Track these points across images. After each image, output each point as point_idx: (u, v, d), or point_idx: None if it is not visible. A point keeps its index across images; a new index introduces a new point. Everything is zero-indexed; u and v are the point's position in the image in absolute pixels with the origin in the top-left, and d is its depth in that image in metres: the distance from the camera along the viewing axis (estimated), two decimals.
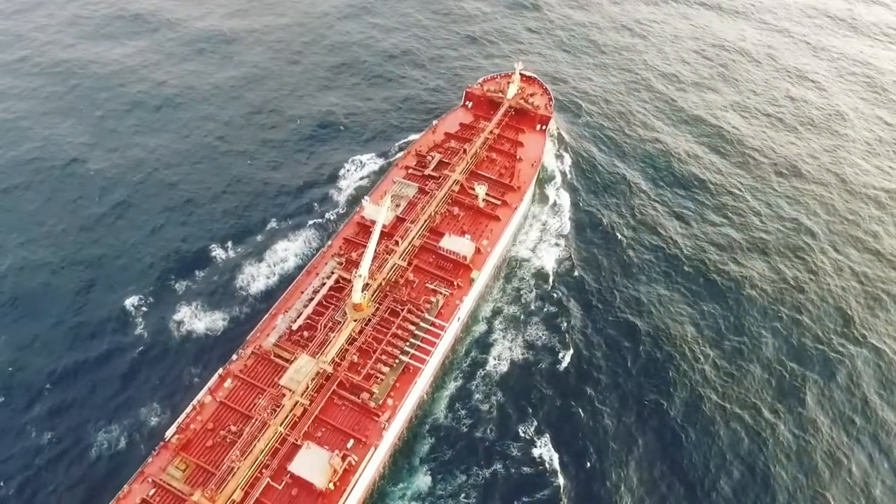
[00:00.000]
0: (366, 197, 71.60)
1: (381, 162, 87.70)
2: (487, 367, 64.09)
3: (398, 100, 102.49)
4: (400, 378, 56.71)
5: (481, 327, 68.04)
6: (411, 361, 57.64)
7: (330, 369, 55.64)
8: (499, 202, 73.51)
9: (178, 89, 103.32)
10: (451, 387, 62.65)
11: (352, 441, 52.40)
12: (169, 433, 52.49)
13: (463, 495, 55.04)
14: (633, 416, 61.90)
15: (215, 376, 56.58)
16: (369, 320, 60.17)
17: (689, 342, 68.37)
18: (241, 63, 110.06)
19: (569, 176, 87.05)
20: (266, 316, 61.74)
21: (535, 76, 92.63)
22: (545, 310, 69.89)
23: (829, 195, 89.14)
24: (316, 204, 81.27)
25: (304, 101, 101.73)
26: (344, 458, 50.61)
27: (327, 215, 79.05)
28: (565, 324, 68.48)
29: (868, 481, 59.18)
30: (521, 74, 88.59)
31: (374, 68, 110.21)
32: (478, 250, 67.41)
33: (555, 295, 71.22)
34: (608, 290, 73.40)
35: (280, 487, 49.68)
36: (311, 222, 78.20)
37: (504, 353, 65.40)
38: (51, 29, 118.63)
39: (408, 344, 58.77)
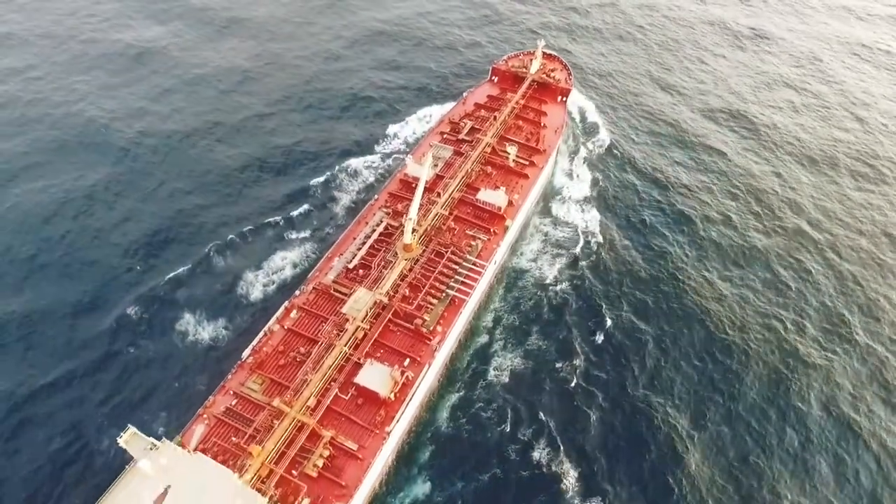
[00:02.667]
0: (408, 155, 76.82)
1: (380, 166, 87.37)
2: (488, 377, 63.70)
3: (400, 101, 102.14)
4: (447, 309, 61.84)
5: (482, 337, 67.43)
6: (457, 294, 62.78)
7: (385, 300, 60.74)
8: (527, 162, 78.72)
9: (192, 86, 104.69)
10: (453, 397, 62.24)
11: (408, 360, 57.45)
12: (244, 354, 57.57)
13: (461, 501, 55.09)
14: (636, 424, 61.29)
15: (281, 308, 61.61)
16: (418, 260, 65.30)
17: (698, 350, 68.00)
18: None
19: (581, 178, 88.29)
20: (322, 259, 66.88)
21: (555, 54, 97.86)
22: (547, 318, 69.39)
23: (837, 180, 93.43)
24: (315, 214, 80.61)
25: (311, 105, 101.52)
26: (402, 373, 55.68)
27: (326, 229, 78.44)
28: (565, 332, 68.10)
29: None
30: (542, 52, 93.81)
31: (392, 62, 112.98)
32: (510, 202, 72.55)
33: (556, 302, 70.88)
34: (614, 295, 72.82)
35: (347, 398, 54.78)
36: (309, 233, 77.64)
37: (505, 363, 64.93)
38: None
39: (453, 280, 63.89)
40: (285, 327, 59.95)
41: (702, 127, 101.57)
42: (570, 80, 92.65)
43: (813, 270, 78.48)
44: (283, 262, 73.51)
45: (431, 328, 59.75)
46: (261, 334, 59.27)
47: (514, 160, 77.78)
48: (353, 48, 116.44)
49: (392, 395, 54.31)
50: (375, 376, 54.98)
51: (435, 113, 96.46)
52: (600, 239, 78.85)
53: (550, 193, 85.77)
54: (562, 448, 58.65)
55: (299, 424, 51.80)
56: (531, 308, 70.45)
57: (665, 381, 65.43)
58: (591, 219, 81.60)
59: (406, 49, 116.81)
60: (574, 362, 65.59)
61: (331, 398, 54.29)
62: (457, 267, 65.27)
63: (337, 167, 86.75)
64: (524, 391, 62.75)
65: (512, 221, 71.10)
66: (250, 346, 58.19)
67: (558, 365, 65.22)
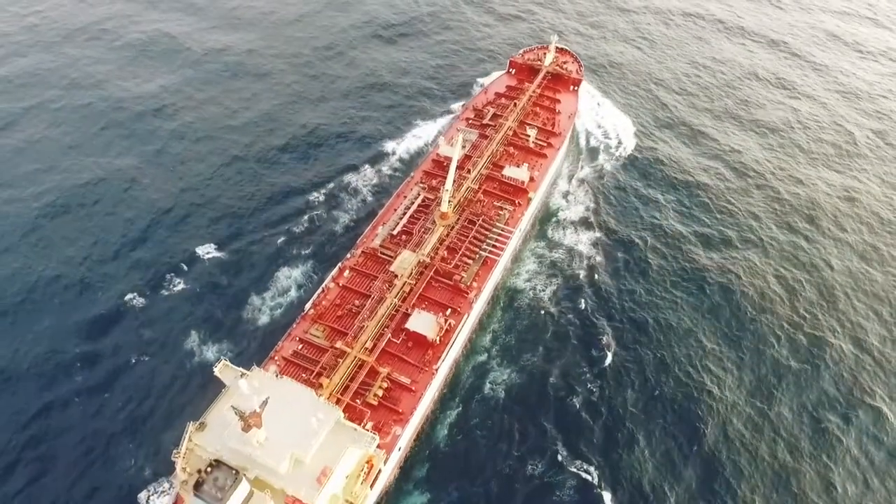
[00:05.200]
0: (441, 137, 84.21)
1: (377, 184, 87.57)
2: (485, 393, 64.31)
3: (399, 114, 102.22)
4: (481, 267, 68.99)
5: (481, 356, 67.84)
6: (489, 255, 70.04)
7: (427, 260, 67.91)
8: (545, 144, 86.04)
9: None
10: (451, 414, 63.06)
11: (449, 310, 64.50)
12: (306, 307, 64.68)
13: None
14: (632, 440, 61.98)
15: (335, 269, 68.65)
16: (453, 227, 72.51)
17: (699, 369, 67.84)
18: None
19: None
20: (368, 227, 74.04)
21: (567, 48, 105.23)
22: (545, 336, 69.88)
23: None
24: (316, 230, 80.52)
25: (314, 115, 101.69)
26: (445, 320, 62.76)
27: (327, 246, 77.98)
28: (563, 350, 68.76)
29: None
30: (555, 46, 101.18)
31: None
32: (532, 178, 79.81)
33: (554, 320, 71.49)
34: (615, 313, 72.84)
35: (399, 342, 61.87)
36: (311, 250, 77.58)
37: (501, 379, 65.58)
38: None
39: (485, 243, 71.16)
40: (340, 285, 67.00)
41: (708, 137, 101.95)
42: (581, 71, 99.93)
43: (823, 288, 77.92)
44: (288, 282, 73.57)
45: (468, 284, 66.88)
46: (318, 291, 66.35)
47: (534, 142, 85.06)
48: (358, 64, 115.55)
49: (438, 339, 61.34)
50: (423, 322, 62.10)
51: (430, 131, 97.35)
52: (601, 257, 78.97)
53: (546, 216, 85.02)
54: (556, 462, 59.44)
55: (360, 362, 58.76)
56: (528, 327, 70.73)
57: (665, 398, 65.47)
58: (592, 237, 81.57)
59: (409, 67, 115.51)
60: (569, 380, 66.15)
61: (385, 341, 61.31)
62: (487, 232, 72.50)
63: (336, 184, 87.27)
64: (520, 408, 63.40)
65: (534, 194, 78.32)
66: (310, 301, 65.25)
67: (553, 381, 65.93)
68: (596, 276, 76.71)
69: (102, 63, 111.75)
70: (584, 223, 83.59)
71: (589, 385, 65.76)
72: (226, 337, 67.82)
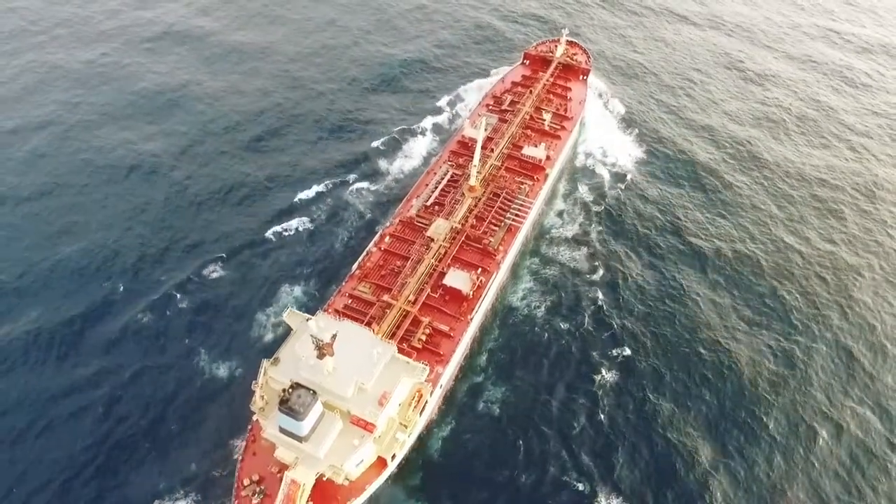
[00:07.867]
0: (465, 120, 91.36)
1: (374, 202, 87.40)
2: (479, 410, 65.07)
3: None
4: (506, 234, 76.24)
5: (478, 375, 68.39)
6: (513, 223, 77.29)
7: (459, 226, 75.15)
8: (559, 127, 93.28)
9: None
10: (447, 428, 63.69)
11: (480, 269, 71.66)
12: (353, 268, 71.82)
13: None
14: (627, 455, 62.40)
15: (376, 236, 75.83)
16: (480, 198, 79.70)
17: (697, 383, 68.40)
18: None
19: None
20: (404, 200, 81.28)
21: (576, 41, 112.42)
22: (543, 349, 70.93)
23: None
24: (314, 245, 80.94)
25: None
26: (477, 277, 69.99)
27: (326, 262, 78.53)
28: (562, 363, 69.73)
29: None
30: (565, 39, 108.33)
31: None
32: (548, 157, 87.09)
33: (550, 336, 72.28)
34: (616, 323, 73.33)
35: (437, 296, 69.04)
36: (313, 268, 78.16)
37: (497, 396, 66.34)
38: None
39: (509, 213, 78.41)
40: (381, 249, 74.10)
41: (709, 139, 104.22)
42: (590, 62, 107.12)
43: (825, 301, 78.16)
44: (289, 299, 74.15)
45: (496, 247, 74.13)
46: (363, 254, 73.38)
47: (549, 125, 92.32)
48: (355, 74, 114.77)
49: (471, 293, 68.58)
50: (458, 279, 69.33)
51: (421, 147, 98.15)
52: (599, 270, 79.89)
53: (541, 232, 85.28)
54: (550, 475, 60.35)
55: (404, 313, 65.80)
56: (523, 344, 71.64)
57: (663, 412, 66.20)
58: (590, 251, 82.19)
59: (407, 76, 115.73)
60: (564, 396, 67.05)
61: (425, 296, 68.38)
62: (510, 204, 79.75)
63: (338, 199, 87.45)
64: (515, 423, 64.33)
65: (551, 170, 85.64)
66: (356, 263, 72.28)
67: (545, 396, 66.78)
68: (594, 288, 77.81)
69: (120, 65, 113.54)
70: (580, 238, 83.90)
71: (583, 401, 66.51)
72: (234, 354, 68.01)
